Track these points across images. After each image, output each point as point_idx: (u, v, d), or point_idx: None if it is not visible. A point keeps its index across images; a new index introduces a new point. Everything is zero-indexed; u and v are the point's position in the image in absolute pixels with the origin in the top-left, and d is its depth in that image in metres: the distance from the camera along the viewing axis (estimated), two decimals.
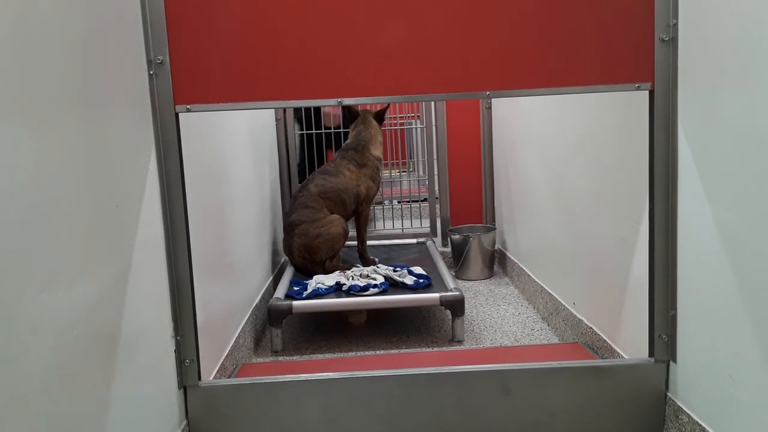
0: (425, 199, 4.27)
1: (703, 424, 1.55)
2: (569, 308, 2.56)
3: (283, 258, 3.63)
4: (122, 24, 1.47)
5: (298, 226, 3.06)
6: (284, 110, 3.80)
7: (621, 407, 1.76)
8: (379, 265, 3.09)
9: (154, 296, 1.58)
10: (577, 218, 2.46)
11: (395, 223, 4.19)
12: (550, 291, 2.82)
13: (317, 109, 3.91)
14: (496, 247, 3.84)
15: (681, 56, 1.59)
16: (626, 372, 1.75)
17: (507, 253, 3.68)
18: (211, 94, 1.64)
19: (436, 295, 2.69)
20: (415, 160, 5.19)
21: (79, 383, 1.20)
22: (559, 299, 2.68)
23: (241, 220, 2.66)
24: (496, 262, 3.86)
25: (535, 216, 3.05)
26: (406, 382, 1.76)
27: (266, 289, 3.08)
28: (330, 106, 3.56)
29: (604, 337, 2.21)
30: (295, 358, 2.63)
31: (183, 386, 1.73)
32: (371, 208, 4.25)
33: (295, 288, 2.86)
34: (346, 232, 3.11)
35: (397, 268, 3.01)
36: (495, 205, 4.00)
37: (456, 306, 2.67)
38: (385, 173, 4.58)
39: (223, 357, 2.18)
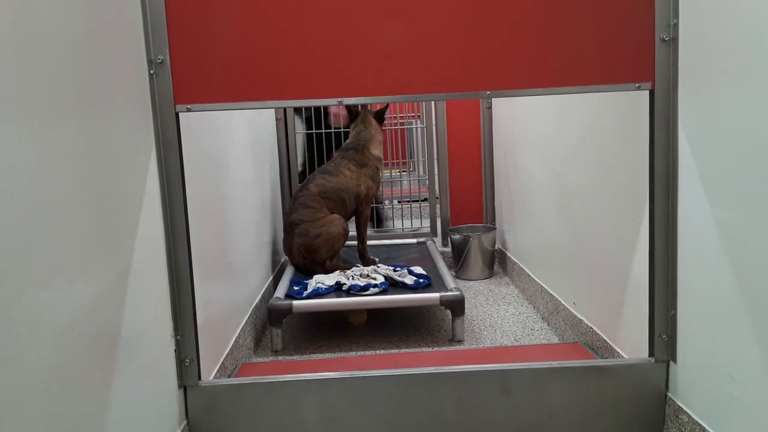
0: (425, 199, 4.27)
1: (703, 424, 1.55)
2: (569, 308, 2.56)
3: (283, 258, 3.63)
4: (122, 24, 1.47)
5: (298, 225, 3.06)
6: (284, 110, 3.79)
7: (621, 407, 1.76)
8: (379, 265, 3.09)
9: (153, 296, 1.58)
10: (577, 218, 2.46)
11: (395, 223, 4.20)
12: (550, 291, 2.82)
13: (325, 110, 3.91)
14: (496, 247, 3.84)
15: (681, 56, 1.59)
16: (626, 372, 1.76)
17: (507, 253, 3.68)
18: (211, 93, 1.64)
19: (436, 294, 2.69)
20: (416, 159, 5.20)
21: (79, 383, 1.20)
22: (559, 299, 2.68)
23: (241, 220, 2.66)
24: (496, 262, 3.86)
25: (536, 216, 3.05)
26: (405, 381, 1.76)
27: (266, 288, 3.08)
28: (337, 106, 3.57)
29: (604, 337, 2.21)
30: (295, 357, 2.63)
31: (183, 386, 1.73)
32: (382, 206, 4.26)
33: (295, 288, 2.87)
34: (346, 232, 3.11)
35: (398, 268, 3.02)
36: (495, 205, 4.00)
37: (456, 306, 2.67)
38: (386, 173, 4.59)
39: (223, 357, 2.18)
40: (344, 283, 2.82)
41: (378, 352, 2.63)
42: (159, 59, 1.61)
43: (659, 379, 1.74)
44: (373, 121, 3.34)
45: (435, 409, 1.77)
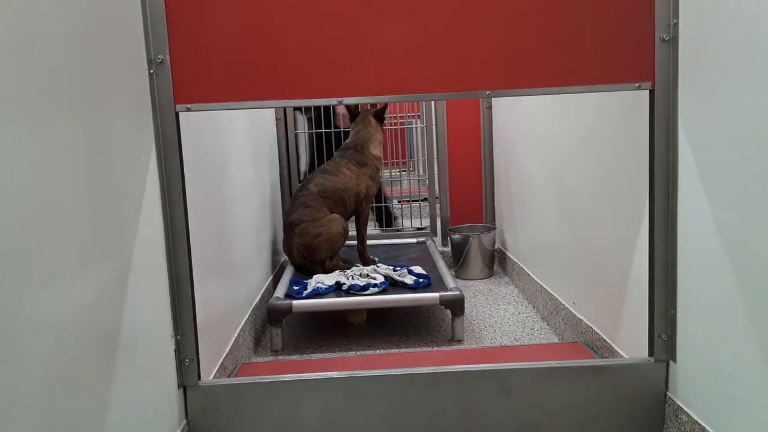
0: (425, 199, 4.27)
1: (703, 424, 1.55)
2: (569, 308, 2.56)
3: (283, 257, 3.63)
4: (122, 23, 1.47)
5: (297, 225, 3.06)
6: (284, 110, 3.79)
7: (621, 407, 1.76)
8: (379, 265, 3.09)
9: (153, 296, 1.58)
10: (577, 218, 2.46)
11: (395, 223, 4.19)
12: (549, 290, 2.82)
13: (333, 110, 3.91)
14: (496, 247, 3.84)
15: (681, 56, 1.59)
16: (626, 371, 1.76)
17: (507, 253, 3.68)
18: (211, 93, 1.64)
19: (436, 294, 2.69)
20: (416, 159, 5.20)
21: (79, 383, 1.20)
22: (559, 299, 2.68)
23: (241, 220, 2.66)
24: (496, 262, 3.86)
25: (535, 216, 3.05)
26: (405, 381, 1.76)
27: (266, 288, 3.08)
28: (343, 106, 3.57)
29: (604, 337, 2.21)
30: (295, 357, 2.63)
31: (183, 386, 1.73)
32: (391, 204, 4.25)
33: (295, 287, 2.86)
34: (346, 232, 3.11)
35: (397, 268, 3.02)
36: (495, 205, 4.00)
37: (456, 305, 2.67)
38: (386, 172, 4.58)
39: (223, 356, 2.18)
40: (344, 283, 2.82)
41: (378, 351, 2.63)
42: (159, 59, 1.61)
43: (659, 379, 1.74)
44: (373, 121, 3.34)
45: (435, 409, 1.77)
